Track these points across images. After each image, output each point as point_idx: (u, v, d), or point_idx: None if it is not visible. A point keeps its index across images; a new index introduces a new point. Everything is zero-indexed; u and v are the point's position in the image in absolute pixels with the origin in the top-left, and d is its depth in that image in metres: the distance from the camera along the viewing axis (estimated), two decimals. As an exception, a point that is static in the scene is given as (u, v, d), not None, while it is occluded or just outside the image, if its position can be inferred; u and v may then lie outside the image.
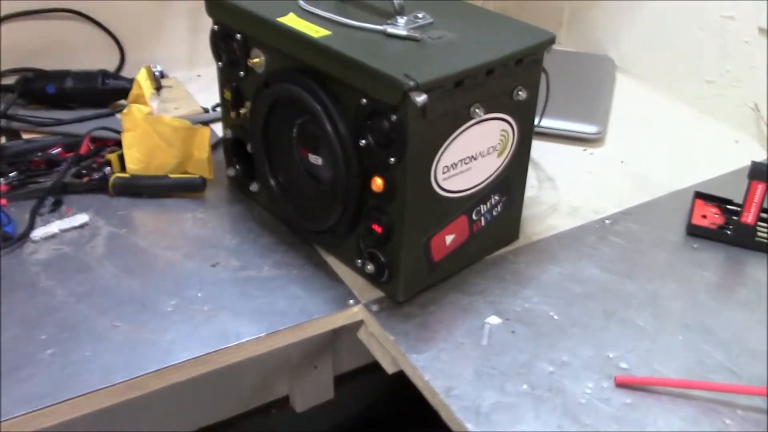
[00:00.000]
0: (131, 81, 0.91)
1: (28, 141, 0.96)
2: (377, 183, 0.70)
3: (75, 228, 0.84)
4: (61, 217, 0.86)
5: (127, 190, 0.90)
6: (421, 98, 0.63)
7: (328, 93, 0.70)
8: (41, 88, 1.03)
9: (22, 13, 1.08)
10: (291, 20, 0.74)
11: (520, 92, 0.73)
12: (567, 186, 0.95)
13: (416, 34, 0.70)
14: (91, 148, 0.93)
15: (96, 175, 0.90)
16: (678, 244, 0.85)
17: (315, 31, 0.71)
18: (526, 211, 0.88)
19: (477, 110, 0.69)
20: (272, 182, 0.82)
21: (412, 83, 0.62)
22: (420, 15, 0.74)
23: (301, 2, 0.77)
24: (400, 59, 0.67)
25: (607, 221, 0.89)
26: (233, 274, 0.78)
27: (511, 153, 0.76)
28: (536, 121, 0.79)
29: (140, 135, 0.89)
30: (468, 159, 0.72)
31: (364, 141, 0.69)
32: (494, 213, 0.79)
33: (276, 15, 0.74)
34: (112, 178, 0.89)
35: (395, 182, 0.69)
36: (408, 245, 0.72)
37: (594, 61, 1.23)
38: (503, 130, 0.74)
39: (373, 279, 0.75)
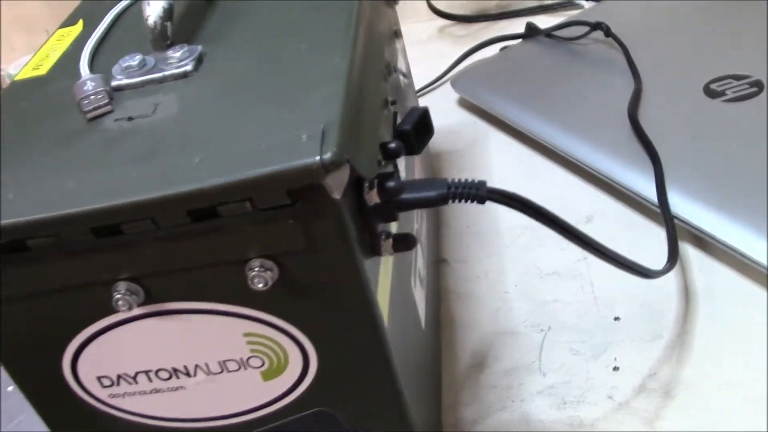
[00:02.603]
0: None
1: None
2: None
3: None
4: None
5: None
6: None
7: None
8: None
9: None
10: (58, 36, 0.44)
11: (254, 272, 0.30)
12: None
13: (97, 105, 0.34)
14: None
15: None
16: None
17: (35, 66, 0.41)
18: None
19: (120, 297, 0.31)
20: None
21: None
22: (181, 52, 0.36)
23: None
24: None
25: None
26: None
27: (312, 377, 0.34)
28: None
29: None
30: (163, 372, 0.35)
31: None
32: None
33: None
34: None
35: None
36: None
37: None
38: (255, 336, 0.33)
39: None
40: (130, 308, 0.31)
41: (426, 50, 0.89)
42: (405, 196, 0.33)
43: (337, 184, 0.28)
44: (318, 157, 0.27)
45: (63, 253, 0.30)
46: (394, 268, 0.38)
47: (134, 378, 0.35)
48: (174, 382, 0.35)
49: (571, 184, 0.61)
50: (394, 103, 0.42)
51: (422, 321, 0.44)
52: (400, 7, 0.97)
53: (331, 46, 0.34)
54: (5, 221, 0.29)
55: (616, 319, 0.49)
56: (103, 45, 0.41)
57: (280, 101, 0.31)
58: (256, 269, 0.30)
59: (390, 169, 0.35)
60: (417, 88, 0.79)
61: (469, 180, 0.34)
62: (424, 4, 0.91)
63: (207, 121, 0.32)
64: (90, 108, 0.34)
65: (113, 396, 0.36)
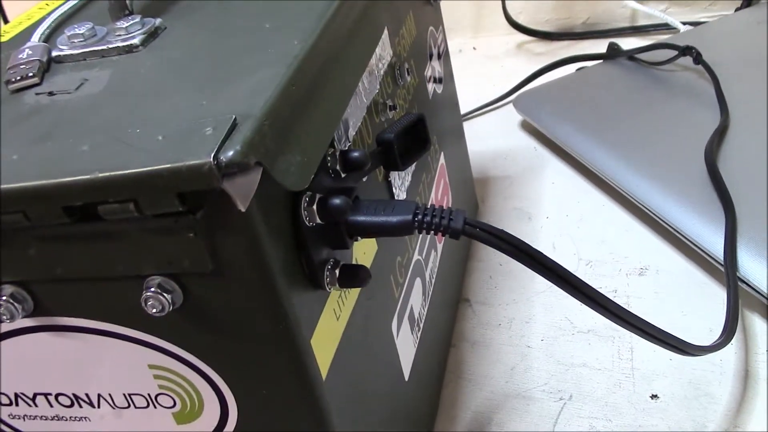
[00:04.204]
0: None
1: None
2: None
3: None
4: None
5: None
6: None
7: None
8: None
9: None
10: (41, 5, 0.40)
11: (149, 293, 0.24)
12: None
13: (23, 76, 0.29)
14: None
15: None
16: None
17: (2, 33, 0.37)
18: None
19: (2, 303, 0.26)
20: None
21: None
22: (131, 24, 0.31)
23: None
24: None
25: None
26: None
27: (233, 426, 0.28)
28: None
29: None
30: (64, 398, 0.29)
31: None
32: None
33: None
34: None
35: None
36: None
37: None
38: (162, 369, 0.27)
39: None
40: (12, 318, 0.26)
41: (497, 66, 0.82)
42: (357, 218, 0.26)
43: (240, 193, 0.22)
44: (211, 156, 0.21)
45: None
46: (358, 306, 0.31)
47: (33, 400, 0.30)
48: (76, 411, 0.30)
49: (629, 228, 0.53)
50: (394, 108, 0.35)
51: (405, 372, 0.37)
52: (476, 19, 0.90)
53: (297, 27, 0.28)
54: None
55: (654, 397, 0.40)
56: (78, 15, 0.37)
57: (210, 85, 0.26)
58: (152, 290, 0.24)
59: (350, 183, 0.28)
60: (478, 105, 0.72)
61: (444, 208, 0.27)
62: (504, 17, 0.84)
63: (123, 103, 0.26)
64: (15, 78, 0.29)
65: (13, 417, 0.31)
